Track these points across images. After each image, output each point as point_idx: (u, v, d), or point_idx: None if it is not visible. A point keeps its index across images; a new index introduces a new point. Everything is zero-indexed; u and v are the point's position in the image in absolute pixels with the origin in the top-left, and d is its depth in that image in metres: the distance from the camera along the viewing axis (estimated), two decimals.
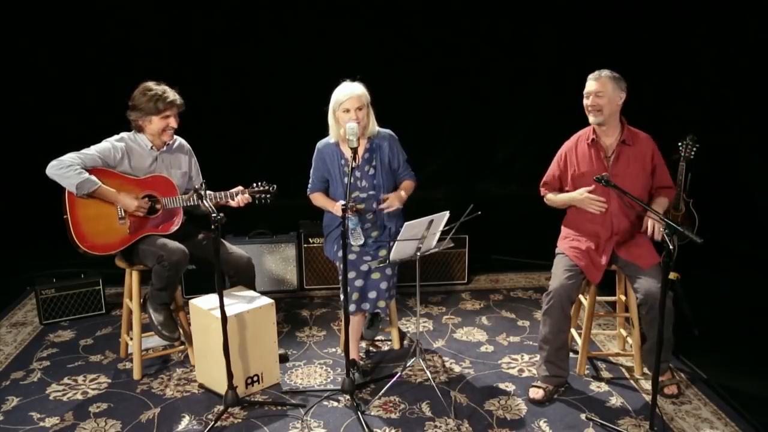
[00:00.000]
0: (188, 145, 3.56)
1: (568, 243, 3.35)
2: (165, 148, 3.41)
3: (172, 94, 3.32)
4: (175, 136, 3.48)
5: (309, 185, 3.56)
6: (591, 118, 3.23)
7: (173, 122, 3.34)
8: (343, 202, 3.04)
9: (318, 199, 3.55)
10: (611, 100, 3.18)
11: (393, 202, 3.41)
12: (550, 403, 3.20)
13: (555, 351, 3.22)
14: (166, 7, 4.81)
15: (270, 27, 4.94)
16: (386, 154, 3.46)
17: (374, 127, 3.43)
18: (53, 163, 3.15)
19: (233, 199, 3.41)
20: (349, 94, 3.27)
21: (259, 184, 3.49)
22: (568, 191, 3.36)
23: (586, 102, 3.23)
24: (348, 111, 3.26)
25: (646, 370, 3.42)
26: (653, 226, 3.13)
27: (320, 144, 3.47)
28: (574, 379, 3.39)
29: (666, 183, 3.33)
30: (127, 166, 3.32)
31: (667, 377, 3.29)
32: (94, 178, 3.18)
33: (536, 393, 3.22)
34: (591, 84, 3.22)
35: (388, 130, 3.50)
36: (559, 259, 3.32)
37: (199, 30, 4.89)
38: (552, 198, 3.44)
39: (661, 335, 2.71)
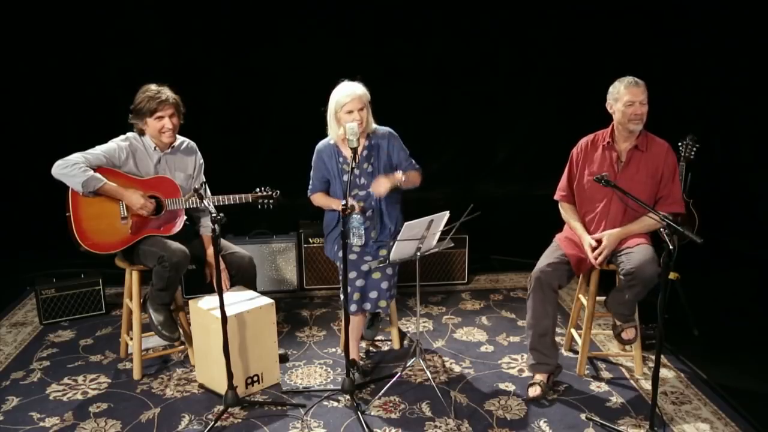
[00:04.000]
0: (196, 147, 3.52)
1: (564, 234, 3.39)
2: (170, 150, 3.40)
3: (165, 94, 3.26)
4: (183, 138, 3.46)
5: (309, 187, 3.56)
6: (632, 126, 3.15)
7: (168, 123, 3.28)
8: (344, 202, 3.03)
9: (319, 199, 3.54)
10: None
11: (380, 180, 3.32)
12: (550, 402, 3.20)
13: (538, 337, 3.23)
14: (168, 9, 4.81)
15: (271, 28, 4.94)
16: (385, 152, 3.45)
17: (372, 124, 3.43)
18: (58, 162, 3.15)
19: (236, 202, 3.40)
20: (351, 95, 3.25)
21: (263, 189, 3.48)
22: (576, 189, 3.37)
23: (629, 110, 3.13)
24: (351, 112, 3.25)
25: (646, 370, 3.42)
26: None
27: (320, 145, 3.47)
28: (574, 379, 3.39)
29: (665, 193, 3.23)
30: (132, 167, 3.32)
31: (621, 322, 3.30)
32: (99, 175, 3.17)
33: (534, 391, 3.21)
34: (636, 92, 3.12)
35: (387, 128, 3.49)
36: (549, 247, 3.34)
37: (200, 32, 4.89)
38: (566, 215, 3.41)
39: (662, 334, 2.71)
